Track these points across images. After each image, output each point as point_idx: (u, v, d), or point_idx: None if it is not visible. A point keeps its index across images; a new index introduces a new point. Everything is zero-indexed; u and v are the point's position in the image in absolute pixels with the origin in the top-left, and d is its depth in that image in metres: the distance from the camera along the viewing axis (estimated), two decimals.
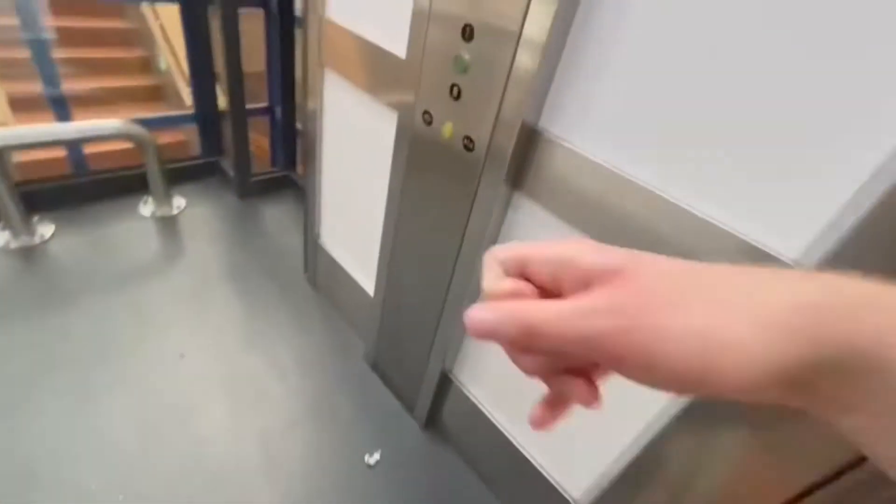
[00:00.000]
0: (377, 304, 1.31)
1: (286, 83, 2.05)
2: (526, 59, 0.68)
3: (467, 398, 1.15)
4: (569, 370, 0.22)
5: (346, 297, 1.53)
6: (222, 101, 1.97)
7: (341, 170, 1.33)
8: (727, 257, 0.58)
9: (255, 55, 1.95)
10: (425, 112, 0.90)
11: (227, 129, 1.97)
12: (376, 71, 1.03)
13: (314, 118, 1.30)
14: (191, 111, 2.06)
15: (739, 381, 0.16)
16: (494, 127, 0.77)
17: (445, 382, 1.19)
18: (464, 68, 0.78)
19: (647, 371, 0.17)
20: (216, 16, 1.70)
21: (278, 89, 2.07)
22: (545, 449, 1.02)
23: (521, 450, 1.06)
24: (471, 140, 0.83)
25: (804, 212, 0.52)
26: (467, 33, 0.75)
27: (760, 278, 0.18)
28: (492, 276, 0.22)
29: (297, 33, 1.89)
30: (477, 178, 0.84)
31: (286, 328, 1.54)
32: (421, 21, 0.83)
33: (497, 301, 0.21)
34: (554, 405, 0.24)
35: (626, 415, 0.78)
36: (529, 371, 0.22)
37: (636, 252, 0.20)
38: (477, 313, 0.20)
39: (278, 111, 2.14)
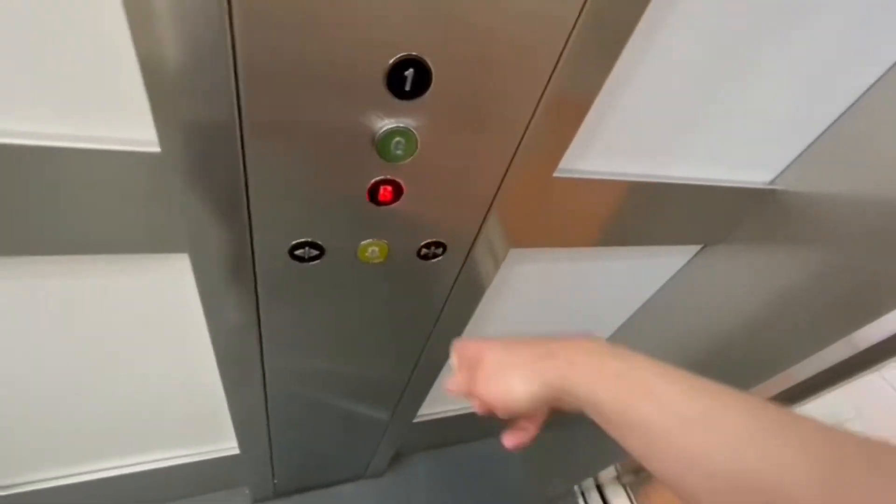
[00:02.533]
0: (259, 448, 0.88)
1: None
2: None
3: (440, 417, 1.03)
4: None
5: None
6: None
7: None
8: None
9: None
10: (299, 245, 0.47)
11: None
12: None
13: None
14: None
15: (520, 409, 0.34)
16: (490, 208, 0.48)
17: (411, 428, 1.01)
18: (403, 152, 0.40)
19: (492, 406, 0.36)
20: None
21: None
22: None
23: None
24: (435, 246, 0.50)
25: None
26: (405, 80, 0.34)
27: (532, 352, 0.35)
28: (454, 358, 0.42)
29: None
30: (451, 283, 0.56)
31: None
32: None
33: (455, 378, 0.40)
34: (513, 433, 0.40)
35: None
36: (479, 410, 0.39)
37: (488, 348, 0.38)
38: (449, 385, 0.40)
39: None
